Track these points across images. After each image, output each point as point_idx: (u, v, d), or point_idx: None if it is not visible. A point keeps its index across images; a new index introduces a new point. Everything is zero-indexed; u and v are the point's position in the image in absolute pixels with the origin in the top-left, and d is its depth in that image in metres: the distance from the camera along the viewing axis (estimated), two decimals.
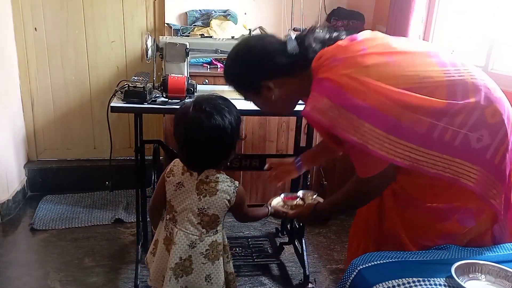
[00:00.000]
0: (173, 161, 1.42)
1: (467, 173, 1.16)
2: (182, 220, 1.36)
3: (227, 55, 1.40)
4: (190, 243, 1.34)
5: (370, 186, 1.24)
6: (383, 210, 1.39)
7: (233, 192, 1.35)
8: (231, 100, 1.38)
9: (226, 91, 2.24)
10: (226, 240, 1.44)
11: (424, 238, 1.31)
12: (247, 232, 2.67)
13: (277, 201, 1.59)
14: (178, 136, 1.31)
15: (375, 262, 1.20)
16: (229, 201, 1.34)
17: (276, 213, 1.53)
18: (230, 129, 1.28)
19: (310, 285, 2.15)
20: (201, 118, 1.25)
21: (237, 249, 2.39)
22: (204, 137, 1.26)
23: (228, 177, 1.37)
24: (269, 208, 1.51)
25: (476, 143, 1.15)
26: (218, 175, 1.35)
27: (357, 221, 1.57)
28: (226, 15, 2.99)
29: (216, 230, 1.38)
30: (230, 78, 1.38)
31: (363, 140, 1.11)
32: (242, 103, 1.99)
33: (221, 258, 1.40)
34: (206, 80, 2.31)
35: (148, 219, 2.29)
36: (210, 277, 1.36)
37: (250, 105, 1.99)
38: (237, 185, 1.37)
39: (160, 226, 1.46)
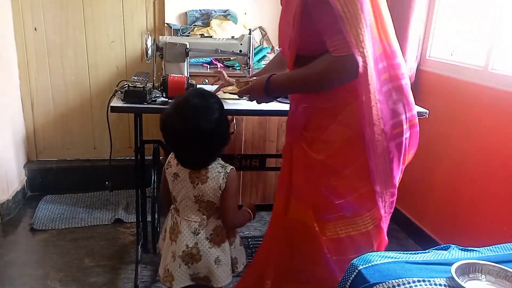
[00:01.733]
0: (171, 153, 1.45)
1: None
2: (183, 209, 1.41)
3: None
4: (194, 230, 1.39)
5: (343, 65, 1.23)
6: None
7: (223, 178, 1.35)
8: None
9: (225, 91, 2.24)
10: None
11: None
12: (247, 232, 2.67)
13: (231, 88, 1.66)
14: (167, 141, 1.37)
15: (375, 262, 1.20)
16: (220, 187, 1.36)
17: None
18: (215, 128, 1.31)
19: None
20: (186, 126, 1.29)
21: None
22: (192, 144, 1.31)
23: (221, 163, 1.38)
24: (251, 213, 1.51)
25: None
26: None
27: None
28: (226, 15, 2.99)
29: (219, 215, 1.41)
30: None
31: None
32: (243, 103, 1.99)
33: (227, 241, 1.44)
34: (206, 80, 2.31)
35: (151, 215, 2.31)
36: (219, 259, 1.41)
37: (250, 105, 2.00)
38: (228, 170, 1.37)
39: (168, 216, 1.52)
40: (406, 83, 1.33)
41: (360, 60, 1.20)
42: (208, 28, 2.91)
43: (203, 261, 1.40)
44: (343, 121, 1.30)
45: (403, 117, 1.32)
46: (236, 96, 1.72)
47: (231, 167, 1.39)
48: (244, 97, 1.59)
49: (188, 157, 1.36)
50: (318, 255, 1.38)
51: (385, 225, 1.42)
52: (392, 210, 1.43)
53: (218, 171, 1.36)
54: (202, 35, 2.36)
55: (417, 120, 1.39)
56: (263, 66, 2.95)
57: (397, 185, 1.40)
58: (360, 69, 1.21)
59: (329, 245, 1.37)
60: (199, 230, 1.39)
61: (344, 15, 1.17)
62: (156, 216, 2.29)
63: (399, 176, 1.40)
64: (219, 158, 1.40)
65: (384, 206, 1.38)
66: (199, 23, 2.98)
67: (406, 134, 1.35)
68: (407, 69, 1.36)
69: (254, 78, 1.63)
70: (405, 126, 1.33)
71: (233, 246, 1.48)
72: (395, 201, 1.42)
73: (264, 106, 1.99)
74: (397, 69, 1.31)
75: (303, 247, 1.42)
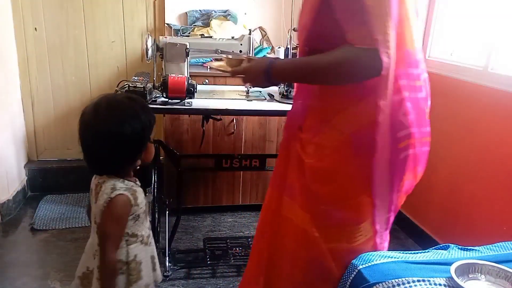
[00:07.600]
0: None
1: None
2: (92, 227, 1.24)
3: None
4: (94, 253, 1.20)
5: (366, 58, 1.07)
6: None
7: (105, 202, 1.13)
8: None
9: (226, 91, 2.25)
10: (137, 257, 1.23)
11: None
12: (247, 232, 2.67)
13: (219, 63, 1.46)
14: None
15: (375, 262, 1.20)
16: (101, 210, 1.15)
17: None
18: (117, 136, 1.13)
19: None
20: (86, 121, 1.15)
21: (237, 249, 2.39)
22: (86, 142, 1.16)
23: (113, 185, 1.16)
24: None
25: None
26: (106, 180, 1.17)
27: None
28: (226, 15, 2.99)
29: None
30: None
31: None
32: (243, 103, 1.99)
33: (121, 277, 1.19)
34: (206, 80, 2.31)
35: (151, 215, 2.31)
36: None
37: (250, 105, 2.00)
38: (113, 196, 1.13)
39: None
40: (422, 97, 1.20)
41: (385, 60, 1.04)
42: (208, 28, 2.91)
43: None
44: (337, 125, 1.20)
45: (410, 131, 1.18)
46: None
47: (121, 193, 1.14)
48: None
49: (84, 154, 1.19)
50: (314, 263, 1.28)
51: (379, 240, 1.29)
52: (388, 227, 1.32)
53: (106, 192, 1.14)
54: (202, 35, 2.36)
55: (428, 139, 1.24)
56: None
57: (395, 201, 1.28)
58: (384, 71, 1.06)
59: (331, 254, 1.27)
60: (96, 254, 1.19)
61: (371, 9, 1.04)
62: (156, 216, 2.29)
63: (399, 192, 1.27)
64: (123, 180, 1.20)
65: (380, 221, 1.27)
66: (199, 23, 2.98)
67: (414, 150, 1.21)
68: (426, 82, 1.22)
69: (249, 56, 1.48)
70: (411, 141, 1.20)
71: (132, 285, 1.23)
72: (392, 220, 1.32)
73: (264, 106, 2.00)
74: (415, 80, 1.17)
75: (293, 250, 1.31)
